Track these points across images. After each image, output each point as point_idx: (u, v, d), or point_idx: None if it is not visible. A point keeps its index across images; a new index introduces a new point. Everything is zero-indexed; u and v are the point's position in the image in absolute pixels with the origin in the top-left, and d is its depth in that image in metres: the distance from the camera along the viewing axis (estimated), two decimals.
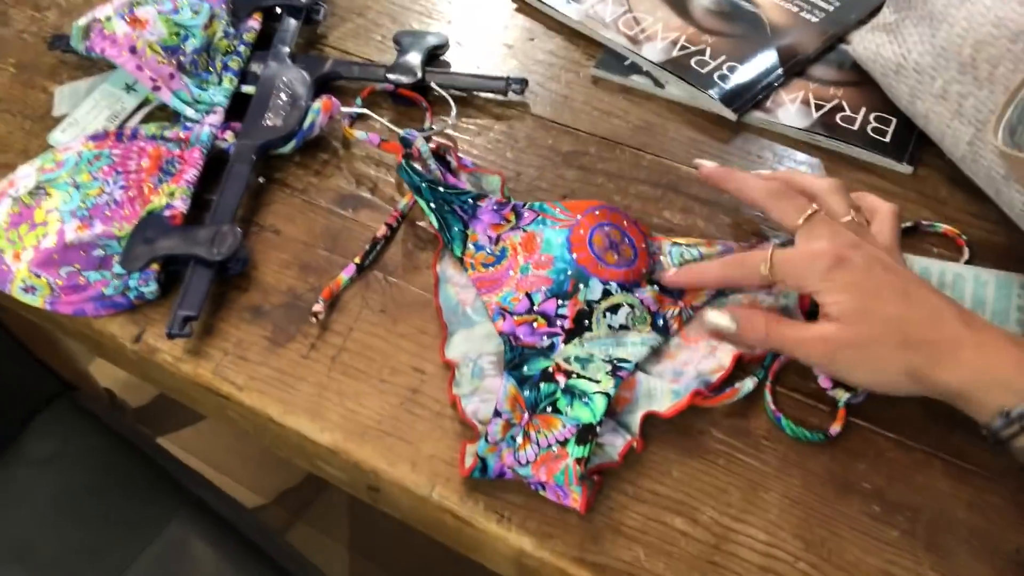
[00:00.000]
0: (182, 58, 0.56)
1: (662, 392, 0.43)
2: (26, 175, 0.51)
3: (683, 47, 0.59)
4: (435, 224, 0.49)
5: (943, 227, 0.51)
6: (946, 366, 0.38)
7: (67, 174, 0.50)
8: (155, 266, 0.48)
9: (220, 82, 0.57)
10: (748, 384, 0.44)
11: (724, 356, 0.44)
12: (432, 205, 0.49)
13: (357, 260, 0.50)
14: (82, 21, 0.57)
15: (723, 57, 0.58)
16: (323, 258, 0.51)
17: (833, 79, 0.58)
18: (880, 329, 0.39)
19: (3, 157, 0.57)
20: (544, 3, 0.64)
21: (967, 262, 0.49)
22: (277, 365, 0.46)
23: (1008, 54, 0.46)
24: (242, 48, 0.59)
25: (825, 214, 0.43)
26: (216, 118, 0.55)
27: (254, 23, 0.60)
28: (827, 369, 0.42)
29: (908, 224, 0.51)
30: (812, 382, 0.45)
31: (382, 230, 0.51)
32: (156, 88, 0.54)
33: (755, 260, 0.43)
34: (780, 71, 0.58)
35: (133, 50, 0.54)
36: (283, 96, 0.56)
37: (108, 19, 0.55)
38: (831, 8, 0.62)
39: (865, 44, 0.57)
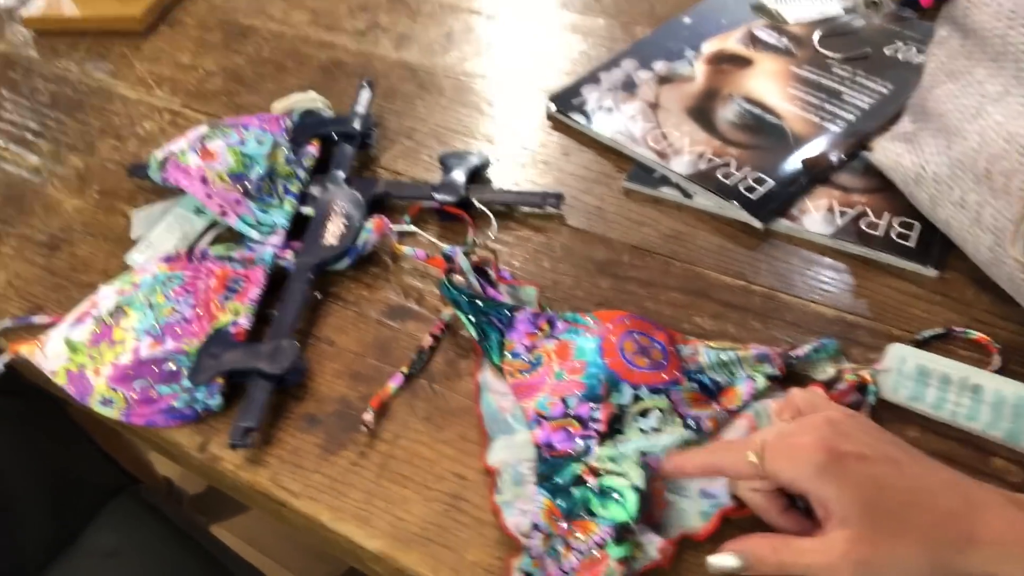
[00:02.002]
0: (247, 184, 0.62)
1: (692, 513, 0.44)
2: (106, 296, 0.57)
3: (709, 160, 0.63)
4: (474, 335, 0.52)
5: (976, 334, 0.51)
6: (963, 555, 0.37)
7: (143, 295, 0.56)
8: (220, 379, 0.52)
9: (281, 205, 0.62)
10: None
11: None
12: (471, 318, 0.53)
13: (404, 369, 0.53)
14: (159, 154, 0.63)
15: (748, 168, 0.61)
16: (373, 367, 0.54)
17: (857, 186, 0.61)
18: (894, 524, 0.37)
19: (86, 276, 0.62)
20: (577, 121, 0.68)
21: (999, 369, 0.49)
22: (329, 472, 0.49)
23: (1020, 168, 0.47)
24: (302, 173, 0.64)
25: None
26: (278, 239, 0.60)
27: (312, 149, 0.66)
28: None
29: (940, 331, 0.52)
30: None
31: (427, 340, 0.55)
32: (223, 214, 0.60)
33: (742, 448, 0.41)
34: (804, 180, 0.60)
35: (204, 180, 0.60)
36: (339, 217, 0.61)
37: (183, 152, 0.62)
38: (852, 118, 0.65)
39: (886, 153, 0.59)
